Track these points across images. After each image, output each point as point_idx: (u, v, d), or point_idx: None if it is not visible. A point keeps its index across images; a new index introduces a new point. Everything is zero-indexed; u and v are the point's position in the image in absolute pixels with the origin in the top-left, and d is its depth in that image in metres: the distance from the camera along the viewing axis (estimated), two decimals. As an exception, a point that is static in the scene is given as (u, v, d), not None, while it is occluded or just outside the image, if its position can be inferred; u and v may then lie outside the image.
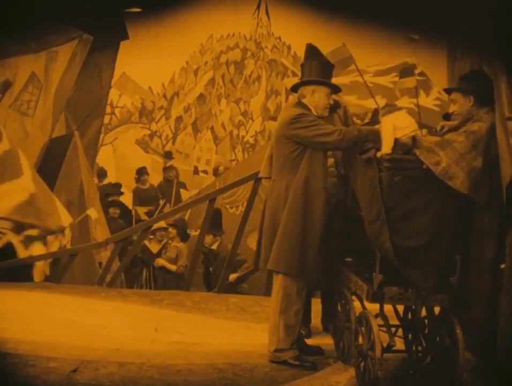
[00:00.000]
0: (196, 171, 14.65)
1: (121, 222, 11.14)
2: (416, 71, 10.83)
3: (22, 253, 8.46)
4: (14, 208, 8.39)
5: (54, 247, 8.67)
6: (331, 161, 5.27)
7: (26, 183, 8.62)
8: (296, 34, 15.41)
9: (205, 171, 14.55)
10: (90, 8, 10.13)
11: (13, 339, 5.40)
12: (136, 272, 9.90)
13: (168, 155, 14.78)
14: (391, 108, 5.00)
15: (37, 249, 8.51)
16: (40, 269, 8.54)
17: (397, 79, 10.71)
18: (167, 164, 14.45)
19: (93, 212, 9.84)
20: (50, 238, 8.61)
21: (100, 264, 9.46)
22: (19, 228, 8.41)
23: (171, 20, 16.02)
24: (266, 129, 15.97)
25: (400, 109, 4.90)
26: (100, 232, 10.11)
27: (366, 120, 9.62)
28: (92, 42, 10.89)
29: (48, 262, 8.66)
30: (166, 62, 16.31)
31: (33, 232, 8.49)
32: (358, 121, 9.01)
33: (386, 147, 4.64)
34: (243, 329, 6.02)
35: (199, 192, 11.45)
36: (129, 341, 5.62)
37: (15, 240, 8.40)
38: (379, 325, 4.68)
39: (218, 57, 17.47)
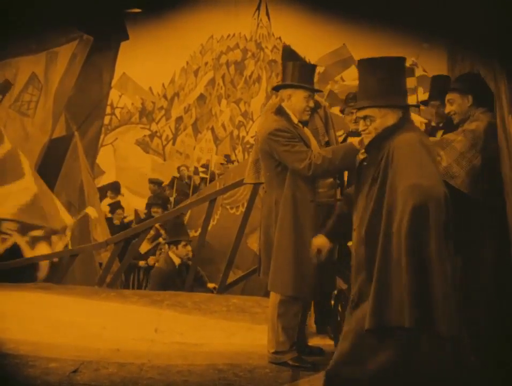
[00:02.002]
0: (196, 172, 14.64)
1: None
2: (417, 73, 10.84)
3: (28, 253, 8.53)
4: (19, 209, 8.43)
5: (58, 247, 8.74)
6: None
7: (29, 184, 8.66)
8: (296, 34, 15.42)
9: (205, 172, 14.54)
10: (91, 8, 10.13)
11: (14, 340, 5.40)
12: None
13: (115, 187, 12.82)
14: None
15: (42, 249, 8.57)
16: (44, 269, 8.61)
17: None
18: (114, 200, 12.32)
19: (93, 211, 9.84)
20: (54, 238, 8.66)
21: (100, 264, 9.46)
22: (24, 229, 8.46)
23: (171, 20, 16.04)
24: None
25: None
26: (101, 232, 10.11)
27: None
28: (93, 42, 10.89)
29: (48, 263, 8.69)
30: (166, 62, 16.33)
31: (38, 233, 8.54)
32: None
33: None
34: (243, 330, 6.02)
35: (199, 193, 11.45)
36: (130, 342, 5.63)
37: (21, 241, 8.45)
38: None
39: (218, 57, 17.50)
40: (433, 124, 5.62)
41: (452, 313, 3.36)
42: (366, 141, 3.67)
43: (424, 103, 5.65)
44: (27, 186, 8.64)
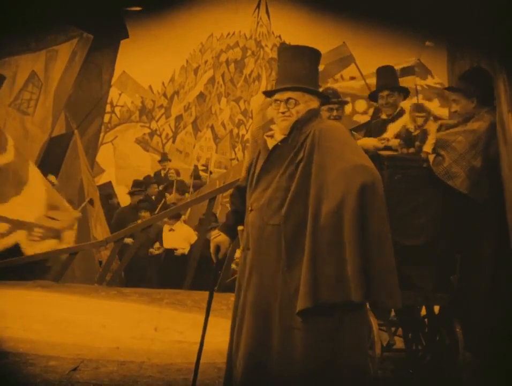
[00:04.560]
0: (196, 170, 14.65)
1: None
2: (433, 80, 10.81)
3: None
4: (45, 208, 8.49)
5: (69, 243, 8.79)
6: None
7: (39, 182, 8.69)
8: (296, 32, 15.41)
9: (205, 170, 14.55)
10: (90, 7, 10.13)
11: (13, 338, 5.41)
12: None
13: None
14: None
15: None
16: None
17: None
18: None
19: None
20: (65, 234, 8.73)
21: (100, 262, 9.47)
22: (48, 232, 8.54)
23: (171, 19, 16.03)
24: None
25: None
26: (100, 231, 10.12)
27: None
28: (92, 40, 10.88)
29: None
30: (166, 61, 16.32)
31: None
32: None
33: (430, 147, 4.68)
34: (243, 328, 6.01)
35: (199, 191, 11.46)
36: (129, 340, 5.63)
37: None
38: (379, 324, 4.68)
39: (218, 55, 17.49)
40: (384, 116, 5.54)
41: (397, 286, 3.44)
42: (286, 124, 3.67)
43: (373, 98, 5.56)
44: (38, 184, 8.67)
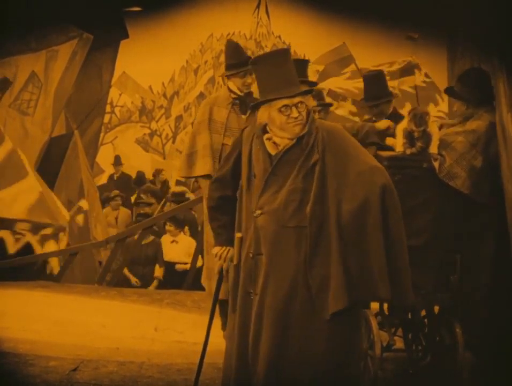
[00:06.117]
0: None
1: None
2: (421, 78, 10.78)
3: (38, 251, 8.66)
4: (28, 209, 8.54)
5: (63, 244, 8.83)
6: None
7: (33, 182, 8.76)
8: (296, 32, 15.40)
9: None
10: (91, 7, 10.13)
11: (13, 338, 5.41)
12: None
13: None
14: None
15: (51, 246, 8.69)
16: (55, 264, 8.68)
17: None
18: None
19: (85, 203, 9.90)
20: (61, 235, 8.77)
21: (100, 263, 9.47)
22: (35, 228, 8.57)
23: (171, 19, 16.01)
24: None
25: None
26: (101, 231, 10.12)
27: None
28: (93, 41, 10.88)
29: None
30: (166, 61, 16.29)
31: (48, 231, 8.65)
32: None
33: (436, 148, 4.68)
34: (243, 329, 6.00)
35: (199, 191, 11.44)
36: (129, 340, 5.63)
37: (33, 240, 8.56)
38: (379, 324, 4.68)
39: (218, 56, 17.47)
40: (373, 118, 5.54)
41: (411, 283, 3.54)
42: (299, 128, 3.57)
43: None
44: (32, 184, 8.74)
